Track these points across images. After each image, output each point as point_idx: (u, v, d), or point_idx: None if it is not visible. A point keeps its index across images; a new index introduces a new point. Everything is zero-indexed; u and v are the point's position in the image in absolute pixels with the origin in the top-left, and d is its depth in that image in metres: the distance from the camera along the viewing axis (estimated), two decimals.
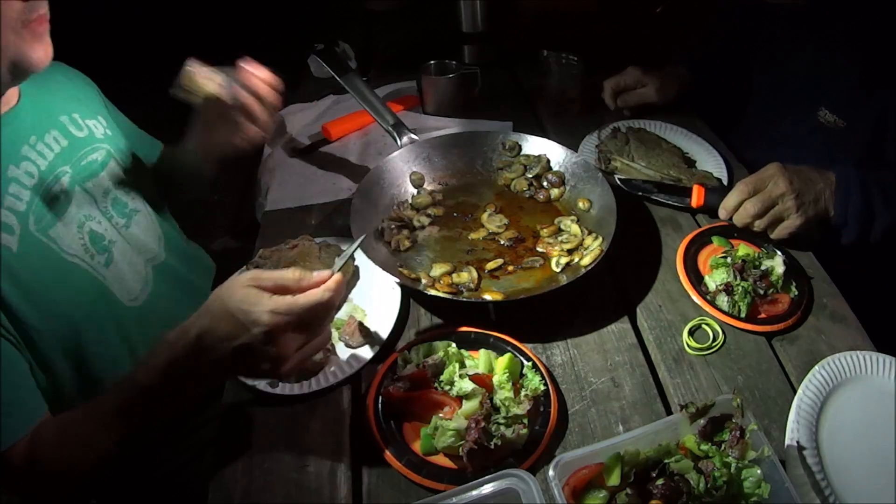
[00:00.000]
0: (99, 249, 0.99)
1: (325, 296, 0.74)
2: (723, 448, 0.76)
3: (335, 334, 1.00)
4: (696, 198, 1.16)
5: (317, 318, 0.75)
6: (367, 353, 0.96)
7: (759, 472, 0.74)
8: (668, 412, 0.89)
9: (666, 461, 0.75)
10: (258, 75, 0.99)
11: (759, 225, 1.06)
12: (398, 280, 1.01)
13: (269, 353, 0.73)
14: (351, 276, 1.08)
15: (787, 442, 0.80)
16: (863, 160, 1.20)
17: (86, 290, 0.95)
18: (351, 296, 1.07)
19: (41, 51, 0.81)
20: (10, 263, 0.84)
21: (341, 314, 1.04)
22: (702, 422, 0.78)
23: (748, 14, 1.44)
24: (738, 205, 1.06)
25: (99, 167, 1.04)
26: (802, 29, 1.27)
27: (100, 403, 0.83)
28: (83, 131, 1.03)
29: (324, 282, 0.76)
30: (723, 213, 1.09)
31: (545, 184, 1.24)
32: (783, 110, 1.35)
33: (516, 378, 0.89)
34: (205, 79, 0.97)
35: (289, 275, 0.75)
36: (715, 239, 1.13)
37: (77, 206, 0.97)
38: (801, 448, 0.78)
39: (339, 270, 0.79)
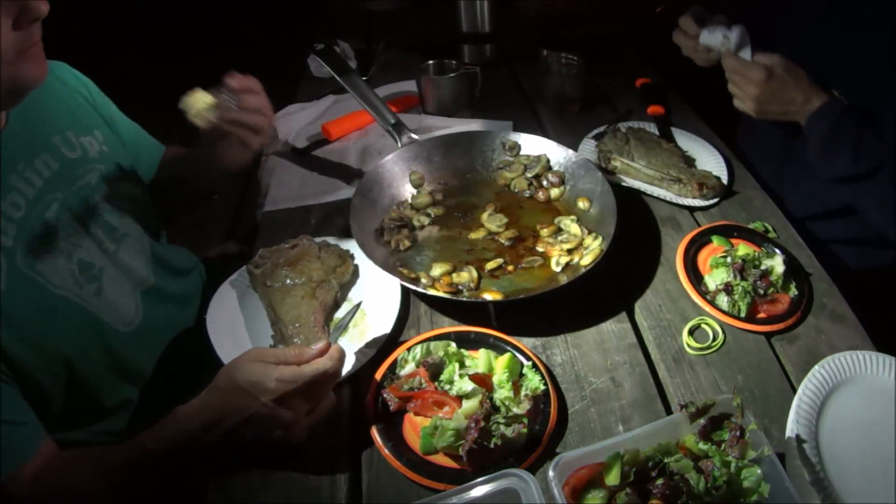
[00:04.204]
0: (88, 279, 0.94)
1: (328, 364, 0.80)
2: (723, 447, 0.76)
3: (335, 335, 1.00)
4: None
5: (321, 385, 0.81)
6: (367, 352, 0.96)
7: (759, 471, 0.74)
8: (668, 412, 0.89)
9: (666, 461, 0.75)
10: (245, 87, 1.00)
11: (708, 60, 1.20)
12: (398, 280, 1.01)
13: (280, 418, 0.78)
14: (350, 276, 1.09)
15: (786, 441, 0.80)
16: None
17: (75, 324, 0.91)
18: (351, 295, 1.08)
19: (37, 71, 0.80)
20: None
21: (341, 314, 1.04)
22: (702, 421, 0.78)
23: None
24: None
25: (91, 191, 0.98)
26: (825, 10, 1.26)
27: (106, 454, 0.84)
28: (76, 152, 0.97)
29: (323, 352, 0.81)
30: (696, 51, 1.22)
31: (545, 184, 1.24)
32: None
33: (516, 378, 0.89)
34: (198, 101, 0.98)
35: (289, 351, 0.81)
36: (715, 238, 1.13)
37: (65, 235, 0.92)
38: (801, 447, 0.78)
39: (337, 340, 0.86)
